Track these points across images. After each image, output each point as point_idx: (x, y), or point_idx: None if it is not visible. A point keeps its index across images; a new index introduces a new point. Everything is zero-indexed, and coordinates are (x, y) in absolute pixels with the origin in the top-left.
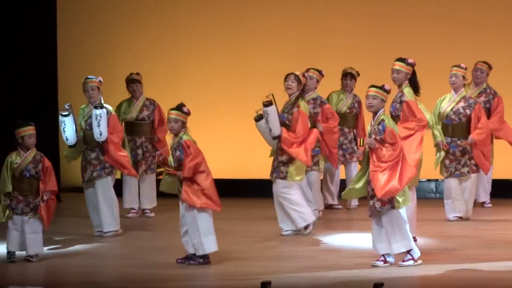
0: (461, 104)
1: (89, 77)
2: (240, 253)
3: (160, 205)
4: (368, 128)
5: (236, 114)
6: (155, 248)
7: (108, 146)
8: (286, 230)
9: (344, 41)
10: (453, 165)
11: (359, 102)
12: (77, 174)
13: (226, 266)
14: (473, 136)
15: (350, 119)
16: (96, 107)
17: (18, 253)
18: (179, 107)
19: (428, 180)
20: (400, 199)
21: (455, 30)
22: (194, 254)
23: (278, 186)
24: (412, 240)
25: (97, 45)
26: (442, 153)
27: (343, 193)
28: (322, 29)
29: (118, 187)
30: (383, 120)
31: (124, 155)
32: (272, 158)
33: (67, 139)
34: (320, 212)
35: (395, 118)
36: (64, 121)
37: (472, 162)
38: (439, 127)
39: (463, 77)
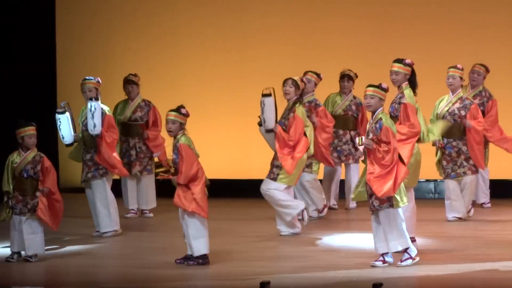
0: (457, 105)
1: (86, 78)
2: (239, 253)
3: (159, 205)
4: (367, 127)
5: (236, 114)
6: (154, 248)
7: (100, 146)
8: (283, 231)
9: (344, 41)
10: (450, 166)
11: (358, 104)
12: (76, 174)
13: (225, 266)
14: (471, 123)
15: (345, 121)
16: (91, 99)
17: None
18: (178, 109)
19: (427, 180)
20: (398, 198)
21: (455, 30)
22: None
23: (264, 185)
24: (408, 238)
25: (96, 45)
26: (440, 154)
27: (352, 196)
28: (322, 29)
29: (118, 187)
30: (380, 119)
31: (115, 155)
32: None
33: (63, 137)
34: (321, 212)
35: (393, 118)
36: (59, 119)
37: (470, 162)
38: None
39: (460, 78)
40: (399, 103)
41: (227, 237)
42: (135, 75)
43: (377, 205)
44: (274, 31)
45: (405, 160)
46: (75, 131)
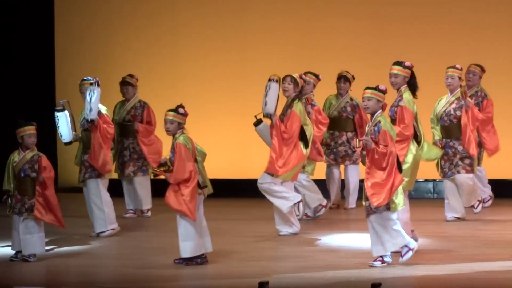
0: (453, 105)
1: (85, 78)
2: (238, 253)
3: (158, 205)
4: (366, 129)
5: (236, 114)
6: (153, 248)
7: (94, 141)
8: (284, 230)
9: (343, 41)
10: (447, 165)
11: (354, 106)
12: (75, 174)
13: (224, 266)
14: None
15: (341, 123)
16: (91, 84)
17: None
18: (176, 108)
19: (426, 180)
20: (396, 201)
21: (455, 30)
22: None
23: (260, 179)
24: (404, 235)
25: (96, 46)
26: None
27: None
28: (322, 29)
29: (118, 188)
30: (379, 122)
31: (107, 153)
32: None
33: (61, 135)
34: (318, 212)
35: (393, 122)
36: (57, 117)
37: (465, 162)
38: (438, 127)
39: (459, 78)
40: (397, 106)
41: (226, 237)
42: (132, 76)
43: (373, 207)
44: (274, 31)
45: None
46: (74, 130)
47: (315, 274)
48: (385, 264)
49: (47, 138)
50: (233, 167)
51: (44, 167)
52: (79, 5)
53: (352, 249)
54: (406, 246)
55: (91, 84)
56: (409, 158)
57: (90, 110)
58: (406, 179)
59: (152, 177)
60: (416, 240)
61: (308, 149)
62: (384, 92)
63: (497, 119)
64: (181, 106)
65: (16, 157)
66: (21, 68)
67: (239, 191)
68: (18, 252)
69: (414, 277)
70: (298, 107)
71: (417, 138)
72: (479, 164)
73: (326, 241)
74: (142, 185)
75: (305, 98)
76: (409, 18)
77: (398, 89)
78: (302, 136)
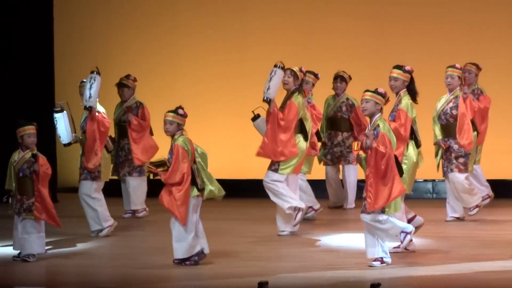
0: (450, 104)
1: (84, 80)
2: (237, 253)
3: (156, 205)
4: (366, 132)
5: (236, 114)
6: (152, 248)
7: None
8: (283, 231)
9: (343, 42)
10: (446, 165)
11: (349, 106)
12: (74, 174)
13: (223, 266)
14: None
15: (336, 122)
16: (92, 72)
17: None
18: (175, 110)
19: (425, 181)
20: (392, 206)
21: (455, 30)
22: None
23: (266, 177)
24: (396, 222)
25: (95, 46)
26: (440, 153)
27: None
28: (322, 29)
29: (118, 188)
30: (378, 125)
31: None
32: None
33: (60, 137)
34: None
35: None
36: (56, 118)
37: (459, 161)
38: (438, 126)
39: (459, 77)
40: (397, 111)
41: (226, 237)
42: (128, 77)
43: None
44: (274, 31)
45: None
46: (74, 131)
47: (315, 274)
48: (384, 264)
49: (47, 138)
50: (233, 167)
51: (41, 165)
52: (78, 5)
53: (351, 249)
54: (402, 231)
55: (92, 72)
56: (408, 163)
57: (90, 96)
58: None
59: (152, 177)
60: (421, 223)
61: (308, 143)
62: (382, 95)
63: (497, 119)
64: (180, 107)
65: (16, 156)
66: (21, 68)
67: (239, 191)
68: (20, 252)
69: (413, 277)
70: (297, 99)
71: (416, 142)
72: (476, 163)
73: (326, 241)
74: (137, 186)
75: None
76: (409, 18)
77: (397, 93)
78: (302, 129)
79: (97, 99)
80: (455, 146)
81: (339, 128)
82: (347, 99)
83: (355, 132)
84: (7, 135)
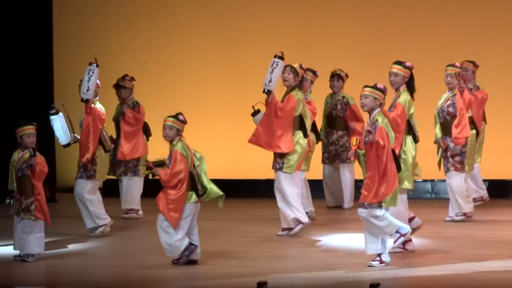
0: (448, 102)
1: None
2: (237, 253)
3: (155, 205)
4: (365, 128)
5: (235, 114)
6: (151, 248)
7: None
8: (282, 230)
9: (343, 41)
10: (445, 163)
11: (344, 104)
12: (72, 174)
13: (222, 266)
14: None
15: (332, 121)
16: (90, 64)
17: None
18: (176, 115)
19: (424, 181)
20: (388, 199)
21: (455, 30)
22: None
23: (277, 182)
24: (394, 221)
25: (94, 46)
26: (440, 152)
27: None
28: (322, 29)
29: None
30: (377, 120)
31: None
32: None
33: (58, 139)
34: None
35: None
36: (52, 120)
37: (455, 159)
38: (438, 124)
39: (458, 76)
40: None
41: (225, 237)
42: (124, 78)
43: (367, 203)
44: (273, 31)
45: None
46: (73, 131)
47: (314, 274)
48: (383, 264)
49: (46, 138)
50: (232, 167)
51: (37, 163)
52: (77, 5)
53: (350, 249)
54: (398, 232)
55: (90, 63)
56: (407, 158)
57: (88, 89)
58: (406, 182)
59: (150, 177)
60: (419, 225)
61: (306, 140)
62: (381, 90)
63: (497, 119)
64: (181, 113)
65: (16, 156)
66: (21, 68)
67: (239, 192)
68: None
69: (412, 277)
70: (298, 95)
71: (414, 137)
72: (475, 161)
73: (325, 241)
74: (131, 186)
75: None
76: (409, 18)
77: (396, 89)
78: (302, 126)
79: (97, 97)
80: (451, 145)
81: (334, 126)
82: (343, 97)
83: (349, 126)
84: (7, 135)
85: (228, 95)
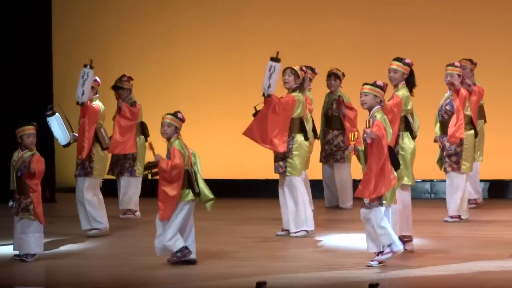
0: (447, 101)
1: None
2: (236, 253)
3: (154, 205)
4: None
5: (235, 114)
6: (150, 248)
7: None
8: (282, 231)
9: (343, 42)
10: (444, 164)
11: (339, 102)
12: (71, 174)
13: (222, 266)
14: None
15: (328, 120)
16: (85, 66)
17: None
18: (174, 113)
19: (423, 181)
20: (388, 196)
21: (455, 30)
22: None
23: (283, 183)
24: (391, 234)
25: (93, 46)
26: (440, 151)
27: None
28: (322, 29)
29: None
30: (375, 116)
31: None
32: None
33: (57, 139)
34: None
35: None
36: (49, 121)
37: (452, 159)
38: (438, 124)
39: (458, 75)
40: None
41: (224, 237)
42: (121, 78)
43: (367, 202)
44: (273, 31)
45: None
46: (72, 130)
47: (313, 274)
48: (382, 264)
49: (46, 138)
50: (232, 167)
51: (35, 161)
52: (77, 5)
53: (349, 249)
54: (389, 246)
55: (85, 65)
56: (406, 154)
57: (83, 93)
58: (406, 178)
59: (150, 177)
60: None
61: (307, 142)
62: (381, 87)
63: (497, 119)
64: (179, 112)
65: (15, 156)
66: (21, 68)
67: (238, 192)
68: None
69: (411, 277)
70: (298, 96)
71: (411, 134)
72: (475, 160)
73: (324, 241)
74: (130, 187)
75: None
76: (409, 18)
77: (395, 85)
78: (302, 129)
79: (97, 95)
80: (447, 144)
81: (330, 125)
82: (339, 96)
83: (340, 111)
84: (7, 135)
85: (228, 95)
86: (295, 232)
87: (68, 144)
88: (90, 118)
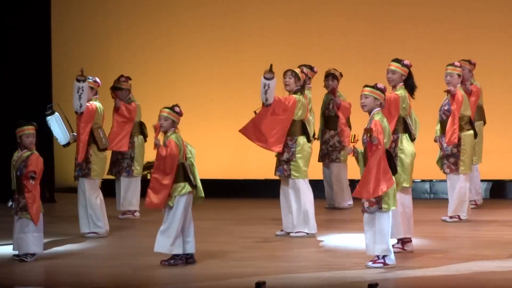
0: (447, 101)
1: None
2: (235, 253)
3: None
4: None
5: (234, 115)
6: (150, 248)
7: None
8: (281, 231)
9: (343, 42)
10: (443, 165)
11: (336, 103)
12: (71, 174)
13: (221, 266)
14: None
15: (325, 120)
16: (78, 80)
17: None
18: (172, 107)
19: (423, 181)
20: (387, 201)
21: (454, 30)
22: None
23: (286, 185)
24: (388, 244)
25: (93, 46)
26: (439, 152)
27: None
28: (321, 29)
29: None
30: (374, 118)
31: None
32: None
33: (57, 139)
34: None
35: None
36: (48, 121)
37: (450, 160)
38: (439, 124)
39: (458, 75)
40: None
41: (223, 237)
42: (119, 79)
43: (366, 206)
44: (273, 31)
45: None
46: (71, 130)
47: (312, 274)
48: (381, 264)
49: (45, 138)
50: (231, 168)
51: (32, 160)
52: (76, 5)
53: (349, 249)
54: (383, 257)
55: (78, 80)
56: (405, 156)
57: (81, 106)
58: (406, 179)
59: (149, 177)
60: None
61: (310, 145)
62: (382, 90)
63: (497, 119)
64: (177, 105)
65: (15, 156)
66: (21, 68)
67: (238, 192)
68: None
69: (411, 277)
70: (299, 97)
71: (410, 135)
72: (474, 162)
73: (324, 241)
74: (129, 188)
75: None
76: (409, 18)
77: (394, 86)
78: (304, 131)
79: (97, 96)
80: (444, 145)
81: (327, 125)
82: (335, 97)
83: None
84: (7, 135)
85: (228, 95)
86: (295, 232)
87: (68, 144)
88: (84, 117)
